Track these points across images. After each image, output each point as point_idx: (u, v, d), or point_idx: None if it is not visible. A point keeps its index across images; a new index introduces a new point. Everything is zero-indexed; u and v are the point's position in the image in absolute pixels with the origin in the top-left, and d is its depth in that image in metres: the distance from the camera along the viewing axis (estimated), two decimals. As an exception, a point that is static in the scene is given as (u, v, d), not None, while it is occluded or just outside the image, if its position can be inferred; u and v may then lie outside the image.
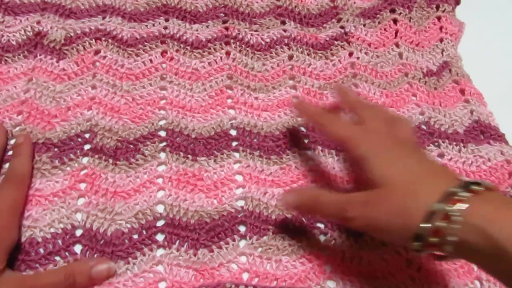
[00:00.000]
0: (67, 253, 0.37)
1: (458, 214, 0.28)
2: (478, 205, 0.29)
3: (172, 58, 0.49)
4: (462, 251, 0.29)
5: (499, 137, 0.47)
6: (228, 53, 0.50)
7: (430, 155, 0.43)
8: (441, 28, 0.55)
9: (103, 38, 0.49)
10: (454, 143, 0.46)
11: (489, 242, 0.27)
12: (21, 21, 0.50)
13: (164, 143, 0.43)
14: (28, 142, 0.41)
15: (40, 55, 0.47)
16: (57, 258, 0.36)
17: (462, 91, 0.50)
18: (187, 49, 0.50)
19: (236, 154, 0.44)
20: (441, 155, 0.45)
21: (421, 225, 0.29)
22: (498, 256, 0.27)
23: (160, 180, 0.41)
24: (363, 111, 0.40)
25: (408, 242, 0.30)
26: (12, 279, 0.34)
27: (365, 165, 0.34)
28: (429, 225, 0.29)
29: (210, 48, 0.50)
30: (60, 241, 0.37)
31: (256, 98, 0.48)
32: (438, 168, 0.34)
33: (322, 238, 0.39)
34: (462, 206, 0.29)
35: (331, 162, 0.44)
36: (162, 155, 0.43)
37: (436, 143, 0.46)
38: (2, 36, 0.49)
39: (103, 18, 0.51)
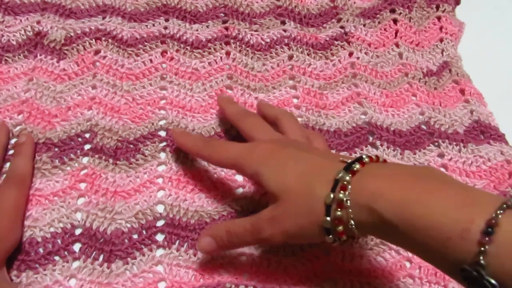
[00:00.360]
0: (66, 253, 0.37)
1: (347, 198, 0.29)
2: (359, 184, 0.29)
3: (172, 58, 0.49)
4: (366, 231, 0.30)
5: (499, 137, 0.47)
6: (228, 53, 0.50)
7: (315, 142, 0.40)
8: (441, 28, 0.55)
9: (103, 38, 0.49)
10: (454, 143, 0.46)
11: (377, 218, 0.28)
12: (21, 21, 0.50)
13: (164, 143, 0.43)
14: (30, 141, 0.41)
15: (40, 55, 0.47)
16: (57, 258, 0.36)
17: (462, 91, 0.50)
18: (187, 49, 0.50)
19: (236, 154, 0.44)
20: (441, 155, 0.45)
21: (324, 219, 0.30)
22: (389, 229, 0.28)
23: (160, 180, 0.41)
24: (242, 123, 0.40)
25: (323, 238, 0.31)
26: None
27: (260, 181, 0.34)
28: (328, 218, 0.30)
29: (210, 48, 0.51)
30: (59, 241, 0.37)
31: (256, 98, 0.48)
32: (326, 157, 0.34)
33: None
34: (349, 189, 0.29)
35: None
36: (162, 155, 0.43)
37: (436, 143, 0.46)
38: (2, 36, 0.49)
39: (103, 18, 0.51)
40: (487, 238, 0.24)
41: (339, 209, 0.29)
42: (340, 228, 0.30)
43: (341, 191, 0.29)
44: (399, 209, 0.27)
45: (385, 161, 0.33)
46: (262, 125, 0.40)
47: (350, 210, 0.29)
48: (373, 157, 0.32)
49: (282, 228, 0.32)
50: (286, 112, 0.43)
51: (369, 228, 0.30)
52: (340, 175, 0.30)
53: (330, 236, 0.31)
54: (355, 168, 0.30)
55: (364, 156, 0.31)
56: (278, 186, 0.33)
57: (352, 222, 0.29)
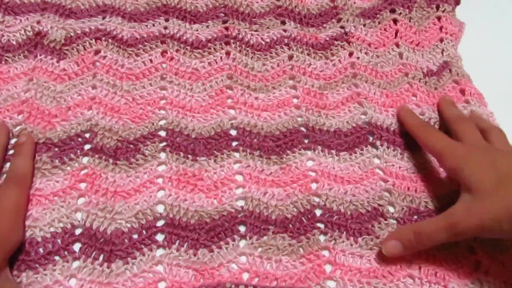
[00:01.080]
0: (66, 252, 0.37)
1: None
2: None
3: (172, 58, 0.49)
4: None
5: (499, 137, 0.47)
6: (228, 53, 0.50)
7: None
8: (441, 28, 0.55)
9: (103, 38, 0.49)
10: (454, 143, 0.46)
11: None
12: (21, 21, 0.50)
13: (164, 143, 0.43)
14: (30, 141, 0.41)
15: (40, 55, 0.47)
16: (57, 257, 0.36)
17: (462, 91, 0.50)
18: (187, 49, 0.50)
19: (236, 154, 0.44)
20: (441, 155, 0.45)
21: None
22: None
23: (160, 180, 0.41)
24: (457, 125, 0.43)
25: None
26: None
27: (459, 176, 0.37)
28: None
29: (210, 48, 0.51)
30: (59, 240, 0.37)
31: (256, 98, 0.48)
32: None
33: (322, 238, 0.39)
34: None
35: (331, 162, 0.44)
36: (162, 155, 0.43)
37: (436, 143, 0.46)
38: (2, 36, 0.49)
39: (103, 18, 0.51)
40: None
41: None
42: None
43: None
44: None
45: None
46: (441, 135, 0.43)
47: None
48: None
49: (478, 222, 0.34)
50: (495, 127, 0.45)
51: None
52: None
53: None
54: None
55: None
56: (478, 181, 0.35)
57: None
